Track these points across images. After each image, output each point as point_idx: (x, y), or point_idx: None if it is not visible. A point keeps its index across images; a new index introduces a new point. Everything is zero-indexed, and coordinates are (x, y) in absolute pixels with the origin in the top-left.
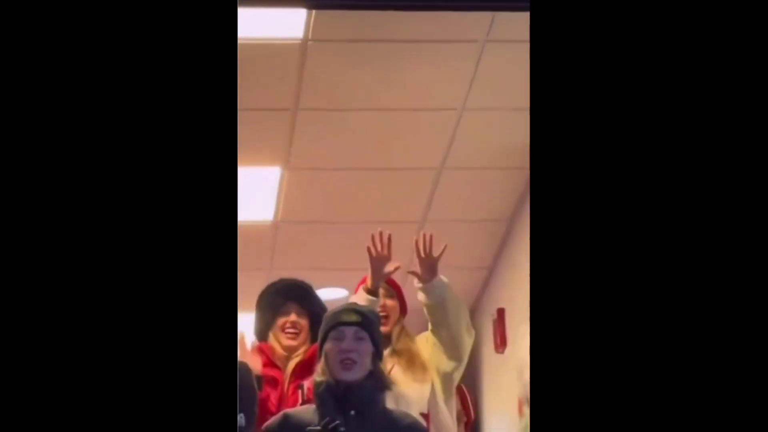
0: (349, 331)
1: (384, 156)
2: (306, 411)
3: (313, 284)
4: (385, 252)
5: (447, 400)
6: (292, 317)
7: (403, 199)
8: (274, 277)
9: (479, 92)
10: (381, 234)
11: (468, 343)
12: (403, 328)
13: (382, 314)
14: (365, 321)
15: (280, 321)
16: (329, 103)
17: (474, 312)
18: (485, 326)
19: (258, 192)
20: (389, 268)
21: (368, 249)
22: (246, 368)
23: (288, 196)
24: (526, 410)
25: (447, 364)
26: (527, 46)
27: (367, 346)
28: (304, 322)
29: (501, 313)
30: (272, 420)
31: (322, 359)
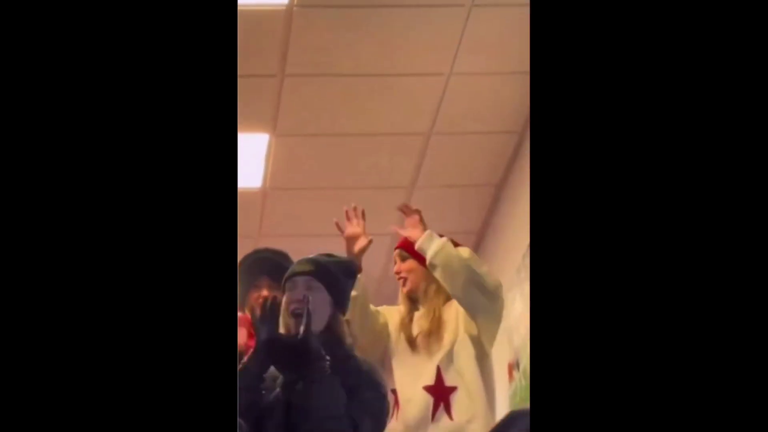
0: (301, 280)
1: (372, 122)
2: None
3: (302, 251)
4: (357, 230)
5: (480, 365)
6: (264, 292)
7: (392, 164)
8: (263, 244)
9: (466, 57)
10: (354, 209)
11: (480, 302)
12: (429, 286)
13: (398, 278)
14: (320, 270)
15: (253, 296)
16: (316, 69)
17: None
18: None
19: (246, 159)
20: (359, 245)
21: (336, 225)
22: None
23: (276, 163)
24: (516, 374)
25: (470, 325)
26: (514, 10)
27: (322, 296)
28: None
29: None
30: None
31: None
